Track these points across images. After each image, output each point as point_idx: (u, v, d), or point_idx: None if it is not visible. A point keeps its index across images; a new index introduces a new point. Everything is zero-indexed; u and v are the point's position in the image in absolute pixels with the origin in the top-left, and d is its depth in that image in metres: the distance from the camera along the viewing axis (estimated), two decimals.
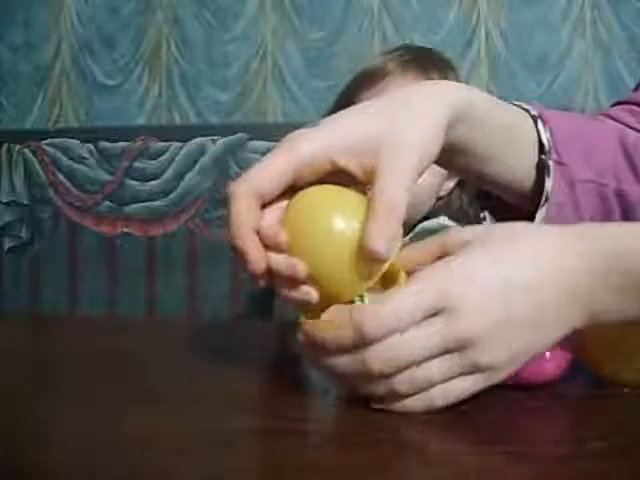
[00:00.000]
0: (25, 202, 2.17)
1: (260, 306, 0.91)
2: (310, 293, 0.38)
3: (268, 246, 0.38)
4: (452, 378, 0.36)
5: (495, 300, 0.36)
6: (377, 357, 0.36)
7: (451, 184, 0.91)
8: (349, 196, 0.39)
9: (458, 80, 0.91)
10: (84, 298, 2.13)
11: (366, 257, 0.37)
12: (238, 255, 0.38)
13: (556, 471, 0.30)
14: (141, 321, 1.20)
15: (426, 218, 0.90)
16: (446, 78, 0.88)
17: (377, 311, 0.36)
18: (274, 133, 1.97)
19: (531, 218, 0.52)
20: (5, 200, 2.18)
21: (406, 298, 0.36)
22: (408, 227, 0.90)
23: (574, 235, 0.39)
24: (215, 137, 2.04)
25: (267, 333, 0.69)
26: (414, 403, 0.37)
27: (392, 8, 1.98)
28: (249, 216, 0.38)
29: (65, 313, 2.09)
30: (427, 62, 0.88)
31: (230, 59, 2.06)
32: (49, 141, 2.14)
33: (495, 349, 0.36)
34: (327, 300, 0.38)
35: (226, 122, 2.05)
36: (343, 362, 0.37)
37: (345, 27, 2.00)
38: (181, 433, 0.35)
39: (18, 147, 2.17)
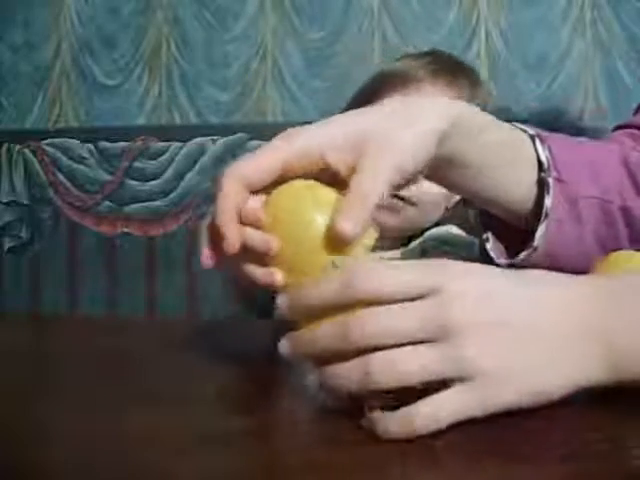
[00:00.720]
0: (25, 202, 2.17)
1: (259, 309, 0.92)
2: (275, 275, 0.38)
3: (247, 224, 0.39)
4: (435, 379, 0.33)
5: (491, 302, 0.34)
6: (358, 325, 0.33)
7: (456, 197, 0.91)
8: (327, 191, 0.40)
9: (487, 92, 0.91)
10: (84, 298, 2.13)
11: (335, 240, 0.37)
12: (214, 235, 0.39)
13: (556, 471, 0.30)
14: (141, 321, 1.20)
15: (436, 225, 0.90)
16: (475, 89, 0.88)
17: (372, 269, 0.35)
18: (274, 133, 1.97)
19: (530, 236, 0.53)
20: (5, 200, 2.18)
21: (406, 270, 0.35)
22: (417, 234, 0.90)
23: (583, 279, 0.38)
24: (215, 137, 2.04)
25: (266, 333, 0.69)
26: (392, 424, 0.33)
27: (392, 8, 1.98)
28: (235, 199, 0.39)
29: (65, 313, 2.09)
30: (457, 72, 0.88)
31: (230, 59, 2.06)
32: (49, 141, 2.14)
33: (484, 351, 0.33)
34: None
35: (226, 122, 2.05)
36: (324, 331, 0.35)
37: (345, 27, 2.00)
38: (181, 433, 0.35)
39: (18, 147, 2.17)
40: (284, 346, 0.37)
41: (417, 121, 0.42)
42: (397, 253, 0.89)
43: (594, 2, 1.88)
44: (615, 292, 0.37)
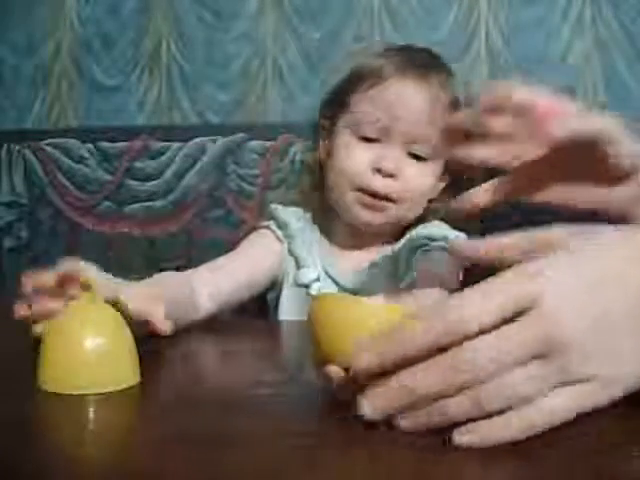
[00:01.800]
0: (25, 202, 2.17)
1: (257, 309, 0.92)
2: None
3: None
4: (548, 391, 0.33)
5: (588, 305, 0.34)
6: (467, 366, 0.32)
7: (441, 185, 0.91)
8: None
9: (458, 85, 0.91)
10: None
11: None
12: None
13: (557, 469, 0.30)
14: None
15: (423, 222, 0.91)
16: (445, 82, 0.87)
17: (460, 299, 0.34)
18: (274, 133, 1.97)
19: None
20: (5, 200, 2.18)
21: (499, 291, 0.34)
22: (400, 227, 0.90)
23: None
24: (215, 137, 2.04)
25: (267, 333, 0.69)
26: (503, 428, 0.32)
27: (392, 8, 1.98)
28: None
29: None
30: (427, 66, 0.87)
31: (230, 59, 2.06)
32: (49, 141, 2.14)
33: (589, 356, 0.33)
34: None
35: (226, 122, 2.05)
36: (423, 379, 0.33)
37: (345, 27, 2.00)
38: (181, 433, 0.35)
39: (18, 147, 2.17)
40: (365, 406, 0.35)
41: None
42: (388, 250, 0.89)
43: (594, 2, 1.88)
44: None
